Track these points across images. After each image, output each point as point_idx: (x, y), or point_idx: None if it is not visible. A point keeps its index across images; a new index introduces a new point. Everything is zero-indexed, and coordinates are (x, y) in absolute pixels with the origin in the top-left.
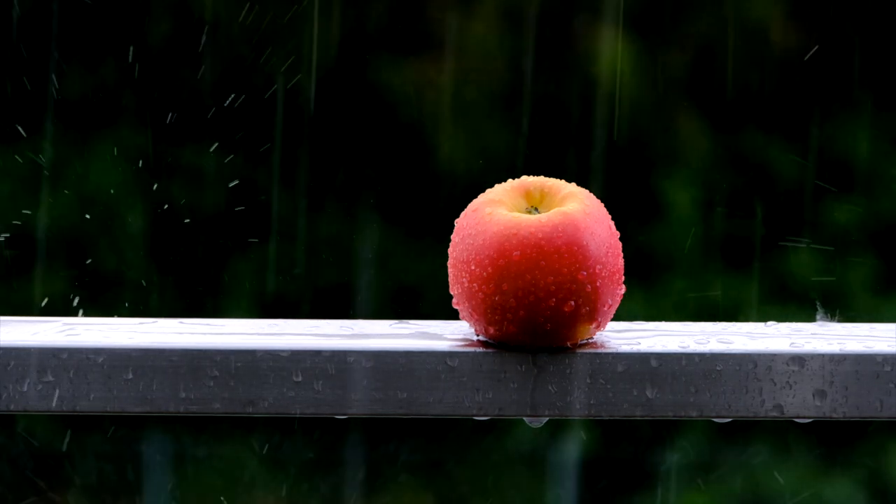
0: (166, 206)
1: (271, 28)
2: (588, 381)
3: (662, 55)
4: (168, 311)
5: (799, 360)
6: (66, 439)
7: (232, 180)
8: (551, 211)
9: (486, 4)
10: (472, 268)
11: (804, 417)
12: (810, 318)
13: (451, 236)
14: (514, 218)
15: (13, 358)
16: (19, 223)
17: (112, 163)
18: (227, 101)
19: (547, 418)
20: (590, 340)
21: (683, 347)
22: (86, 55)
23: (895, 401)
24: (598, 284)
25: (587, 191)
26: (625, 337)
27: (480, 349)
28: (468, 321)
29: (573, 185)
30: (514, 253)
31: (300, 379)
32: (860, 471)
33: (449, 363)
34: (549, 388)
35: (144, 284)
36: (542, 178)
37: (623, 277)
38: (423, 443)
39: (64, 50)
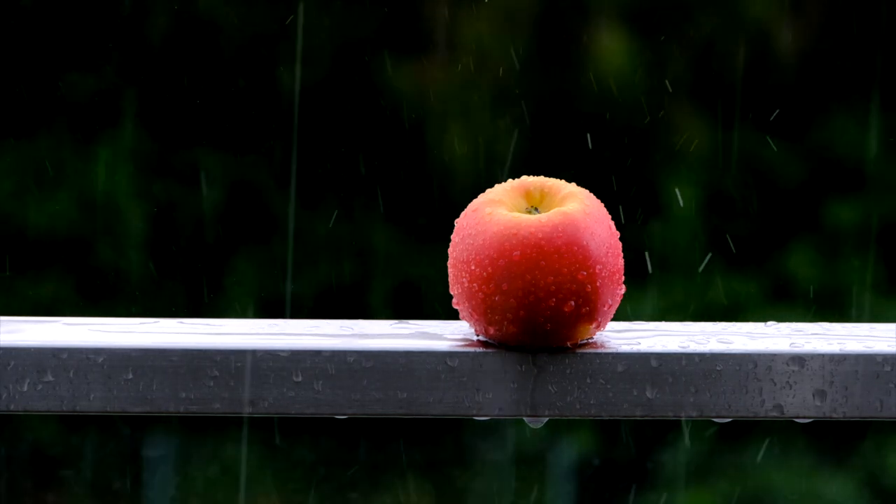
0: (167, 207)
1: (272, 28)
2: (588, 381)
3: (663, 54)
4: (168, 311)
5: (799, 360)
6: (66, 439)
7: (232, 180)
8: (551, 211)
9: (486, 4)
10: (472, 268)
11: (804, 417)
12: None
13: (451, 236)
14: (514, 218)
15: (13, 358)
16: (19, 223)
17: (113, 163)
18: (228, 102)
19: (547, 418)
20: (590, 340)
21: (683, 347)
22: (86, 55)
23: (895, 401)
24: (598, 284)
25: (587, 191)
26: (625, 337)
27: (480, 349)
28: (468, 321)
29: (573, 185)
30: (514, 253)
31: (300, 379)
32: (860, 471)
33: (449, 363)
34: (549, 388)
35: (144, 284)
36: (542, 178)
37: (623, 277)
38: (423, 443)
39: (65, 50)
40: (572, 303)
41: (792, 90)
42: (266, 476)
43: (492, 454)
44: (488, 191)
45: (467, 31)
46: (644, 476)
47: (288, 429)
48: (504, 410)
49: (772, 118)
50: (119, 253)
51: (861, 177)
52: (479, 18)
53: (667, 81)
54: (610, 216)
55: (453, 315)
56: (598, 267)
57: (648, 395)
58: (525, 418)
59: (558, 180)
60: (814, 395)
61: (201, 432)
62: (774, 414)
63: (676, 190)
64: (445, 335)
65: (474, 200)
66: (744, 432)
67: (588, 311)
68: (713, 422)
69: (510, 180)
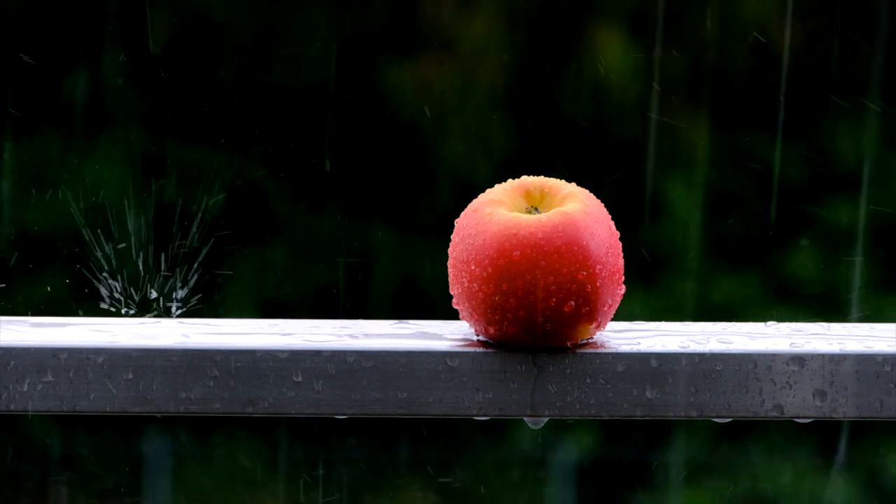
0: (167, 206)
1: (273, 27)
2: (588, 381)
3: (662, 54)
4: (168, 311)
5: (799, 360)
6: (67, 440)
7: (232, 180)
8: (551, 211)
9: (486, 4)
10: (472, 268)
11: (804, 417)
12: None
13: (451, 236)
14: (514, 218)
15: (13, 358)
16: (19, 223)
17: (113, 162)
18: (228, 101)
19: (547, 419)
20: (590, 340)
21: (683, 347)
22: (86, 55)
23: (895, 401)
24: (598, 284)
25: (587, 191)
26: (625, 337)
27: (480, 349)
28: (468, 321)
29: (573, 185)
30: (514, 253)
31: (300, 379)
32: (860, 471)
33: (449, 363)
34: (549, 388)
35: (144, 284)
36: (542, 178)
37: (623, 277)
38: (423, 443)
39: (65, 50)
40: (572, 303)
41: (791, 90)
42: (266, 476)
43: (492, 454)
44: (488, 191)
45: (467, 32)
46: (644, 476)
47: (288, 428)
48: (504, 410)
49: (771, 118)
50: (119, 253)
51: (861, 177)
52: (479, 18)
53: (666, 81)
54: (610, 216)
55: (453, 315)
56: (598, 267)
57: (648, 395)
58: (525, 419)
59: (558, 180)
60: (814, 395)
61: (201, 432)
62: (774, 414)
63: (676, 190)
64: (445, 335)
65: (474, 200)
66: (744, 432)
67: (588, 311)
68: (713, 422)
69: (510, 180)
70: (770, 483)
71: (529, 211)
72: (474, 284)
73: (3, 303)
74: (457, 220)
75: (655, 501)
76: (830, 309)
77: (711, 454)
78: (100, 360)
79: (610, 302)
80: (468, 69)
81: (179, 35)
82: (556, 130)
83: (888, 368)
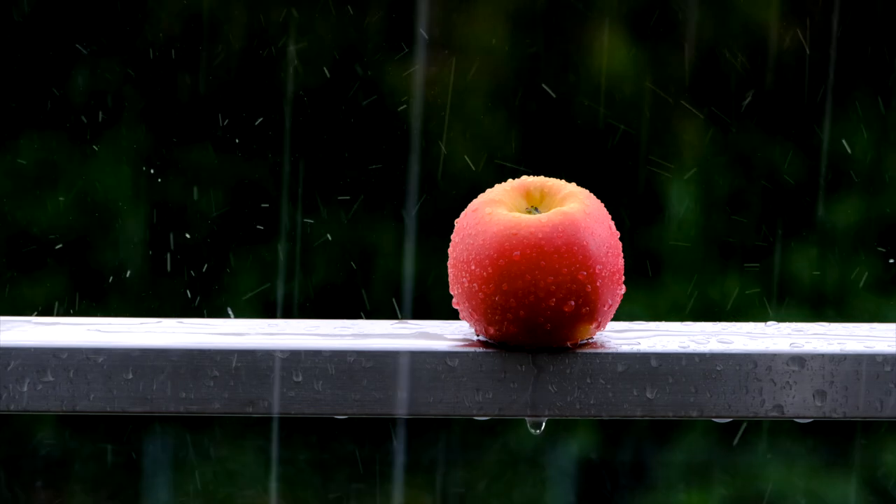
0: (167, 206)
1: (274, 27)
2: (588, 381)
3: (663, 54)
4: (168, 311)
5: (799, 360)
6: (66, 439)
7: (233, 180)
8: (551, 211)
9: (486, 4)
10: (473, 268)
11: (804, 417)
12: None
13: (452, 236)
14: (514, 218)
15: (13, 358)
16: (20, 223)
17: (113, 162)
18: (228, 102)
19: (547, 418)
20: (590, 340)
21: (683, 347)
22: (86, 55)
23: (895, 401)
24: (598, 284)
25: (587, 191)
26: (625, 337)
27: (480, 349)
28: (468, 321)
29: (573, 184)
30: (514, 253)
31: (300, 379)
32: (860, 471)
33: (449, 363)
34: (549, 388)
35: (144, 284)
36: (542, 178)
37: (623, 277)
38: (422, 443)
39: (65, 49)
40: (572, 303)
41: (792, 89)
42: (266, 476)
43: (491, 454)
44: (488, 191)
45: (468, 32)
46: (644, 476)
47: (288, 429)
48: (504, 410)
49: (772, 118)
50: (119, 253)
51: (861, 176)
52: (479, 18)
53: (667, 81)
54: (610, 216)
55: (453, 315)
56: (598, 267)
57: (648, 395)
58: (526, 423)
59: (558, 180)
60: (814, 395)
61: (202, 432)
62: (774, 414)
63: (676, 189)
64: (445, 335)
65: (474, 200)
66: (744, 432)
67: (588, 311)
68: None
69: (510, 180)
70: (770, 483)
71: (529, 211)
72: (474, 284)
73: (3, 303)
74: (457, 220)
75: (655, 501)
76: (830, 309)
77: (711, 454)
78: (100, 360)
79: (610, 302)
80: (468, 69)
81: (179, 35)
82: (556, 130)
83: (888, 368)
